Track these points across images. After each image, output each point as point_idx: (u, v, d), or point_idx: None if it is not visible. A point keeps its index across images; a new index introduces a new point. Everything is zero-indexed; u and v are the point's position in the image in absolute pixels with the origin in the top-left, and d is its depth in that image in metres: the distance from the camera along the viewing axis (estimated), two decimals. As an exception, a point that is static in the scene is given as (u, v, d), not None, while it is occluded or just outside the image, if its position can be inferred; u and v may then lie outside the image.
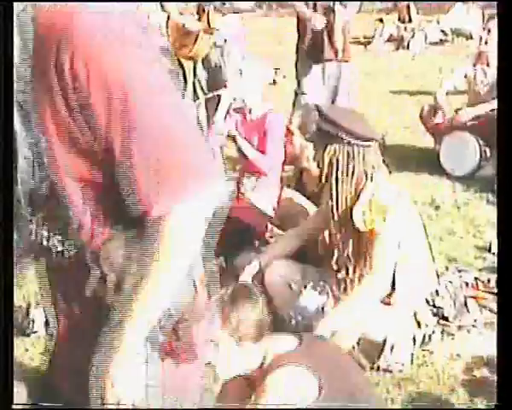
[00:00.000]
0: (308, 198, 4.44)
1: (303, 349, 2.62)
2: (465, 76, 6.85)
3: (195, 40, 6.76)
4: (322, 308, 3.71)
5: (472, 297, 4.18)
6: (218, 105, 5.35)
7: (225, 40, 6.88)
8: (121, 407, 1.69)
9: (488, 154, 6.39)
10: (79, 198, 1.65)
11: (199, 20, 6.81)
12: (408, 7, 14.42)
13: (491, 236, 5.07)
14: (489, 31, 6.51)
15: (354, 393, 2.60)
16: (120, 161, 1.55)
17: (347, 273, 3.68)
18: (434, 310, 3.90)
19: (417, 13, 14.63)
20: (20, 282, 4.05)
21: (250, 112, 5.18)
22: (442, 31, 14.04)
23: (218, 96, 5.53)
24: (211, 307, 2.55)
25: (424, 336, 3.75)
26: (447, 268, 4.55)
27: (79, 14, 1.51)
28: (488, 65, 6.64)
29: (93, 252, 1.68)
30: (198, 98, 7.12)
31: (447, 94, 6.95)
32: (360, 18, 15.73)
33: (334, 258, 3.70)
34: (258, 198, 4.97)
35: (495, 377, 2.85)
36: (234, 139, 5.09)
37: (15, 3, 1.54)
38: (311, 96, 6.46)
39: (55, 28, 1.51)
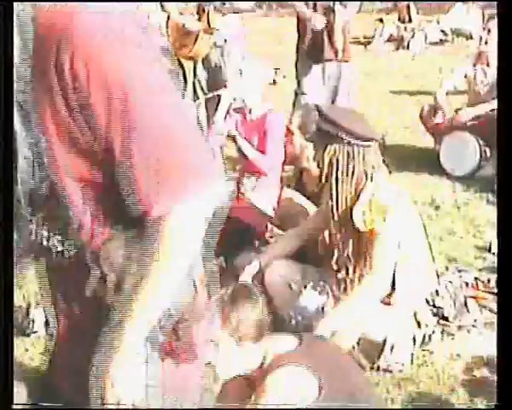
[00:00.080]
0: (308, 198, 4.44)
1: (303, 349, 2.62)
2: (465, 76, 6.85)
3: (195, 40, 6.76)
4: (322, 308, 3.71)
5: (472, 297, 4.18)
6: (218, 105, 5.35)
7: (225, 40, 6.88)
8: (121, 406, 1.69)
9: (488, 154, 6.39)
10: (79, 198, 1.65)
11: (199, 20, 6.81)
12: (408, 7, 14.43)
13: (491, 236, 5.07)
14: (489, 31, 6.51)
15: (354, 393, 2.60)
16: (120, 160, 1.55)
17: (347, 273, 3.68)
18: (434, 310, 3.90)
19: (417, 13, 14.63)
20: (20, 282, 4.05)
21: (250, 112, 5.18)
22: (442, 31, 14.04)
23: (218, 96, 5.53)
24: (211, 307, 2.56)
25: (424, 336, 3.75)
26: (447, 268, 4.55)
27: (79, 14, 1.52)
28: (488, 65, 6.64)
29: (93, 252, 1.68)
30: (198, 98, 7.12)
31: (447, 94, 6.95)
32: (360, 18, 15.72)
33: (334, 258, 3.70)
34: (258, 198, 4.97)
35: (495, 377, 2.85)
36: (234, 139, 5.10)
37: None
38: (311, 96, 6.46)
39: (54, 28, 1.51)
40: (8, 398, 1.69)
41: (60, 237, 1.70)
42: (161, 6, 7.03)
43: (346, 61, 6.58)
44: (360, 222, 3.49)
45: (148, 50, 1.59)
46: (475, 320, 4.01)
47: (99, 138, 1.56)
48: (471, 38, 12.97)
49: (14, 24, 1.53)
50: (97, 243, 1.68)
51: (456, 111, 6.93)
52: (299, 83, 6.69)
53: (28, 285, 4.16)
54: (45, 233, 1.70)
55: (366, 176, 3.53)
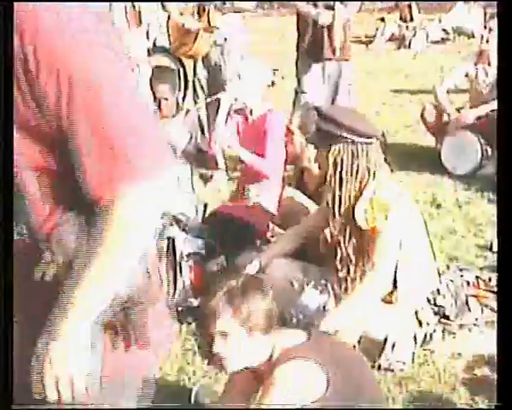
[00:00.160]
0: (309, 197, 4.45)
1: (311, 344, 2.62)
2: (466, 75, 6.85)
3: (195, 39, 6.77)
4: (324, 307, 3.71)
5: (473, 296, 4.18)
6: (218, 108, 5.35)
7: (225, 39, 6.88)
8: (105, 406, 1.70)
9: (489, 153, 6.38)
10: (34, 185, 1.67)
11: (199, 18, 6.81)
12: (409, 6, 14.42)
13: (492, 234, 5.07)
14: (490, 29, 6.51)
15: (361, 389, 2.61)
16: (74, 148, 1.59)
17: (348, 272, 3.68)
18: (435, 309, 3.90)
19: (419, 12, 14.62)
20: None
21: (251, 113, 5.19)
22: (444, 29, 14.03)
23: (218, 99, 5.53)
24: (218, 299, 2.58)
25: (425, 335, 3.76)
26: (448, 267, 4.56)
27: (45, 12, 1.54)
28: (489, 64, 6.63)
29: (45, 236, 1.71)
30: (198, 97, 7.14)
31: (448, 92, 6.95)
32: (362, 17, 15.75)
33: (336, 256, 3.71)
34: (261, 200, 4.99)
35: (496, 376, 2.85)
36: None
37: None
38: (311, 94, 6.47)
39: (21, 26, 1.54)
40: (8, 398, 1.70)
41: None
42: (162, 5, 7.04)
43: (347, 60, 6.58)
44: (362, 220, 3.49)
45: (115, 50, 1.63)
46: (476, 319, 4.01)
47: (54, 126, 1.60)
48: (473, 36, 12.97)
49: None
50: (50, 226, 1.70)
51: (458, 110, 6.93)
52: (299, 81, 6.70)
53: None
54: None
55: (369, 174, 3.54)
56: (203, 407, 3.44)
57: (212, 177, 6.68)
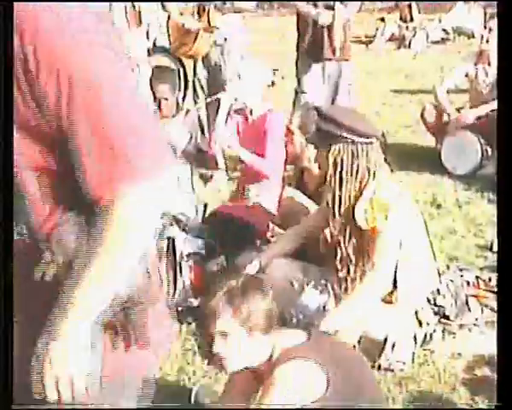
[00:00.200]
0: (309, 197, 4.45)
1: (312, 344, 2.62)
2: (466, 75, 6.85)
3: (195, 39, 6.77)
4: (324, 307, 3.71)
5: (473, 296, 4.18)
6: (218, 109, 5.35)
7: (225, 39, 6.89)
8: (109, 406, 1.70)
9: (489, 153, 6.38)
10: (34, 185, 1.68)
11: (199, 18, 6.81)
12: (409, 6, 14.41)
13: (492, 234, 5.07)
14: (490, 29, 6.50)
15: (361, 389, 2.61)
16: (74, 148, 1.59)
17: (348, 272, 3.68)
18: (435, 309, 3.90)
19: (419, 12, 14.61)
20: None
21: (251, 113, 5.19)
22: (444, 30, 14.03)
23: (218, 99, 5.53)
24: (218, 299, 2.58)
25: (425, 335, 3.76)
26: (448, 267, 4.55)
27: (45, 12, 1.54)
28: (489, 64, 6.63)
29: (45, 236, 1.71)
30: (198, 97, 7.14)
31: (448, 92, 6.95)
32: (362, 17, 15.75)
33: (336, 256, 3.71)
34: (261, 200, 4.99)
35: (496, 376, 2.85)
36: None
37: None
38: (311, 94, 6.47)
39: (21, 26, 1.54)
40: (8, 398, 1.70)
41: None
42: (162, 5, 7.04)
43: (347, 60, 6.58)
44: (362, 220, 3.49)
45: (114, 50, 1.63)
46: (476, 319, 4.01)
47: (54, 127, 1.60)
48: (473, 36, 12.97)
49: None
50: (50, 226, 1.70)
51: (458, 110, 6.93)
52: (299, 81, 6.69)
53: None
54: None
55: (369, 174, 3.54)
56: (203, 407, 3.44)
57: (212, 177, 6.68)
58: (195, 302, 4.38)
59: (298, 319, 3.60)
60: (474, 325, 3.99)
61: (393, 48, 14.00)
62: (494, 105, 6.14)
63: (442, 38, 13.98)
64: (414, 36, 13.80)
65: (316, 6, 6.40)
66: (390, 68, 12.30)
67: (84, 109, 1.57)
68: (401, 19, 14.45)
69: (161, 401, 3.51)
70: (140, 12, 6.29)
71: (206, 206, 5.45)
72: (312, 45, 6.48)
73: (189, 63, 7.06)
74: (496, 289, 4.16)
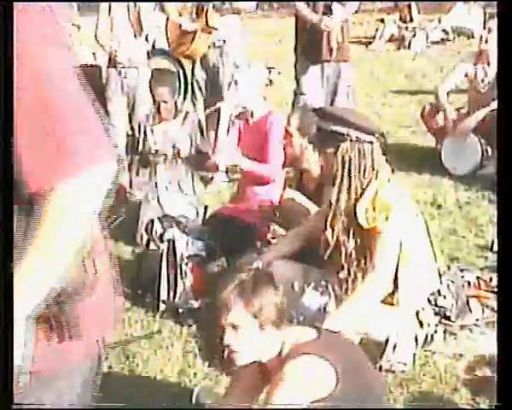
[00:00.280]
0: (309, 199, 4.44)
1: (322, 341, 2.63)
2: (466, 75, 6.84)
3: (193, 39, 6.78)
4: (325, 308, 3.71)
5: (474, 296, 4.18)
6: (219, 117, 5.35)
7: (224, 41, 6.89)
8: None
9: (490, 153, 6.38)
10: None
11: (197, 18, 6.82)
12: (409, 6, 14.41)
13: (492, 235, 5.07)
14: (489, 30, 6.50)
15: (368, 389, 2.62)
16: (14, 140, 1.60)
17: (349, 273, 3.68)
18: (436, 309, 3.90)
19: (418, 12, 14.61)
20: None
21: (252, 115, 5.19)
22: (443, 30, 14.03)
23: (218, 109, 5.53)
24: (230, 292, 2.58)
25: (426, 336, 3.75)
26: (449, 267, 4.55)
27: None
28: (489, 64, 6.63)
29: None
30: (196, 99, 7.14)
31: (448, 93, 6.94)
32: (361, 18, 15.76)
33: (336, 257, 3.70)
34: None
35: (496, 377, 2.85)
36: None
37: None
38: (309, 96, 6.47)
39: None
40: (8, 398, 1.69)
41: None
42: (160, 6, 7.05)
43: (346, 61, 6.58)
44: (363, 219, 3.49)
45: (60, 46, 1.66)
46: (477, 320, 4.01)
47: None
48: (472, 37, 12.97)
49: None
50: None
51: (458, 110, 6.94)
52: (298, 83, 6.69)
53: None
54: None
55: (373, 173, 3.54)
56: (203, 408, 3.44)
57: (212, 179, 6.69)
58: (196, 304, 4.38)
59: (298, 320, 3.60)
60: (475, 325, 3.99)
61: (393, 48, 14.00)
62: (494, 106, 6.14)
63: (442, 39, 13.97)
64: (414, 36, 13.80)
65: (315, 10, 6.40)
66: (390, 69, 12.30)
67: (26, 102, 1.58)
68: (401, 19, 14.45)
69: (162, 403, 3.52)
70: (139, 12, 6.29)
71: (206, 208, 5.46)
72: (310, 47, 6.48)
73: (187, 64, 7.07)
74: (496, 290, 4.16)
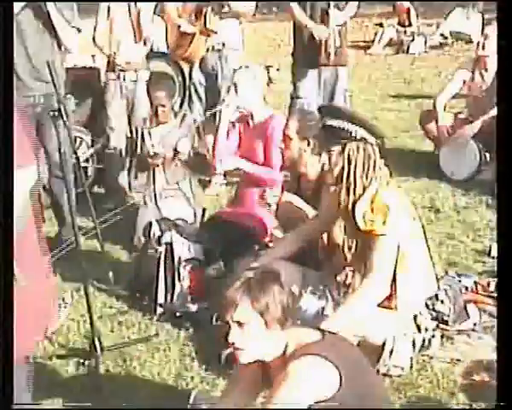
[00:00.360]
0: (306, 202, 4.44)
1: (326, 342, 2.63)
2: (463, 81, 6.85)
3: (191, 41, 6.78)
4: (323, 312, 3.71)
5: (471, 301, 4.18)
6: (219, 121, 5.34)
7: (223, 44, 6.89)
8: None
9: (488, 158, 6.39)
10: None
11: (196, 21, 6.81)
12: (408, 11, 14.42)
13: (490, 239, 5.07)
14: (486, 36, 6.51)
15: (370, 392, 2.63)
16: None
17: (347, 276, 3.68)
18: (434, 314, 3.89)
19: (417, 17, 14.62)
20: None
21: (252, 117, 5.18)
22: (442, 34, 14.03)
23: (219, 112, 5.52)
24: (236, 289, 2.58)
25: (424, 341, 3.74)
26: (447, 272, 4.55)
27: None
28: (486, 69, 6.64)
29: None
30: (193, 102, 7.14)
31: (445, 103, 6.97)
32: (360, 22, 15.77)
33: (334, 260, 3.70)
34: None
35: (494, 382, 2.84)
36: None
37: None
38: (307, 100, 6.46)
39: None
40: (8, 398, 1.70)
41: None
42: (160, 7, 7.05)
43: (343, 65, 6.57)
44: (361, 221, 3.49)
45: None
46: (475, 324, 4.01)
47: None
48: (471, 41, 12.97)
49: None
50: None
51: (456, 115, 6.95)
52: (295, 87, 6.68)
53: None
54: None
55: (374, 175, 3.53)
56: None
57: (210, 182, 6.68)
58: (193, 308, 4.37)
59: (296, 323, 3.59)
60: (473, 330, 3.99)
61: (392, 53, 14.01)
62: (493, 113, 6.13)
63: (440, 43, 13.98)
64: (412, 41, 13.81)
65: (312, 14, 6.40)
66: (388, 73, 12.30)
67: None
68: (399, 24, 14.44)
69: (159, 406, 3.52)
70: (139, 15, 6.28)
71: (204, 211, 5.45)
72: (308, 51, 6.47)
73: (185, 67, 7.06)
74: (494, 295, 4.16)
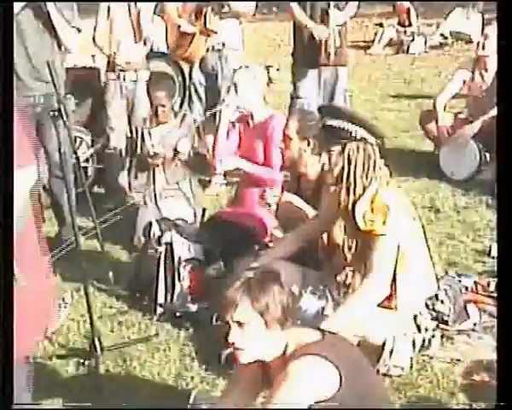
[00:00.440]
0: (306, 202, 4.44)
1: (326, 342, 2.64)
2: (463, 81, 6.86)
3: (191, 41, 6.78)
4: (323, 312, 3.71)
5: (471, 301, 4.18)
6: (219, 119, 5.34)
7: (223, 44, 6.89)
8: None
9: (488, 158, 6.39)
10: None
11: (196, 21, 6.81)
12: (408, 11, 14.42)
13: (490, 239, 5.07)
14: (486, 36, 6.51)
15: (370, 392, 2.62)
16: None
17: (347, 276, 3.67)
18: (434, 314, 3.89)
19: (417, 17, 14.62)
20: None
21: (252, 117, 5.18)
22: (442, 34, 14.03)
23: (219, 112, 5.51)
24: (236, 289, 2.58)
25: (424, 341, 3.74)
26: (447, 272, 4.55)
27: None
28: (486, 69, 6.64)
29: None
30: (193, 102, 7.14)
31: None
32: (360, 22, 15.77)
33: (334, 260, 3.70)
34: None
35: (494, 382, 2.84)
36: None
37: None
38: (306, 100, 6.46)
39: None
40: (8, 398, 1.70)
41: None
42: (160, 7, 7.05)
43: (343, 65, 6.57)
44: (361, 221, 3.49)
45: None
46: (475, 324, 4.01)
47: None
48: (471, 41, 12.97)
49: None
50: None
51: (456, 115, 6.95)
52: (295, 87, 6.68)
53: None
54: None
55: (374, 175, 3.53)
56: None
57: (210, 182, 6.68)
58: (193, 308, 4.37)
59: (296, 324, 3.59)
60: (473, 330, 3.99)
61: (392, 53, 14.01)
62: (493, 113, 6.13)
63: (440, 43, 13.98)
64: (412, 41, 13.81)
65: (312, 14, 6.40)
66: (388, 73, 12.31)
67: None
68: (399, 24, 14.45)
69: (159, 406, 3.51)
70: (139, 15, 6.28)
71: (204, 211, 5.45)
72: (308, 51, 6.47)
73: (185, 67, 7.05)
74: (494, 295, 4.16)
